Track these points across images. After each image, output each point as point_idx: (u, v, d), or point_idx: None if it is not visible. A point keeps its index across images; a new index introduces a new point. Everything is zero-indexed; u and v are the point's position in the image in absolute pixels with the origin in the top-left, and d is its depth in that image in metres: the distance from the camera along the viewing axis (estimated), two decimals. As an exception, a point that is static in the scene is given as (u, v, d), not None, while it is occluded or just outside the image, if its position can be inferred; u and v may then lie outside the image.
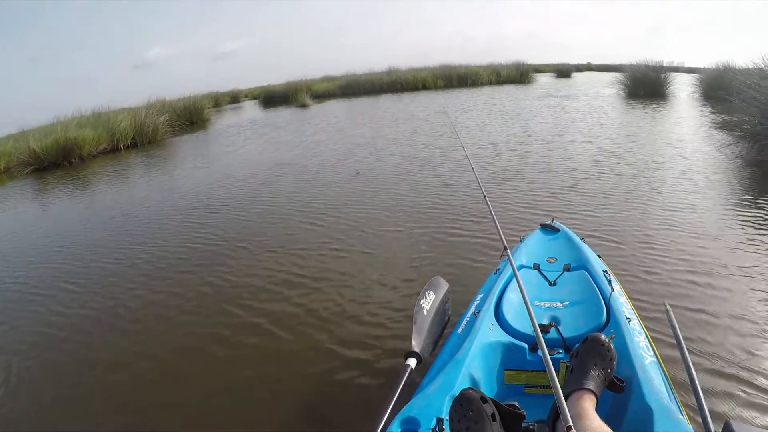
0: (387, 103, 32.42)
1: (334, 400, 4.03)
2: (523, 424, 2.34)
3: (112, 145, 22.48)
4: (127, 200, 12.04)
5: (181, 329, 5.36)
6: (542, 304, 3.48)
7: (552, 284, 3.79)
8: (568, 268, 3.99)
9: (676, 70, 27.45)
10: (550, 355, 2.87)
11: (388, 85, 44.79)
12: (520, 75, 42.39)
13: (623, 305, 3.44)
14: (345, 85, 47.15)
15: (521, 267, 4.04)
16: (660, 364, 2.95)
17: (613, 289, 3.55)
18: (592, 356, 2.67)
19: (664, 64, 25.40)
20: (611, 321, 3.22)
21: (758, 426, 3.07)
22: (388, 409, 2.59)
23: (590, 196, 8.55)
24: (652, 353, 2.98)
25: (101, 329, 5.60)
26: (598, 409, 2.45)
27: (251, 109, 41.37)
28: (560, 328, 3.20)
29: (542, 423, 2.48)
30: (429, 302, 3.58)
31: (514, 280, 3.83)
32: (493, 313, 3.44)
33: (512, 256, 4.33)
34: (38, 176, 18.22)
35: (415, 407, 2.52)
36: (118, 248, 8.43)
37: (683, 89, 25.28)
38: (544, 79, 43.42)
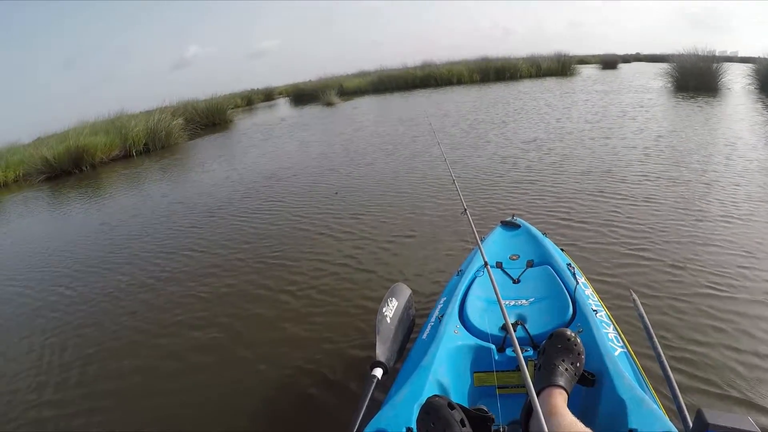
0: (418, 99, 32.62)
1: (300, 416, 4.20)
2: (494, 427, 2.39)
3: (124, 151, 23.20)
4: (114, 212, 12.59)
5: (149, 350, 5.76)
6: (507, 302, 3.50)
7: (516, 282, 3.83)
8: (531, 264, 4.05)
9: (729, 59, 26.72)
10: None
11: (421, 80, 45.02)
12: (561, 67, 41.72)
13: (589, 297, 3.50)
14: (376, 81, 47.50)
15: (482, 266, 4.04)
16: (631, 355, 2.99)
17: (578, 283, 3.60)
18: (560, 352, 2.71)
19: (716, 54, 24.62)
20: (577, 315, 3.26)
21: (732, 413, 3.16)
22: (356, 422, 2.63)
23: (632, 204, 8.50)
24: (621, 344, 3.03)
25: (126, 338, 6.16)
26: (570, 405, 2.49)
27: (280, 108, 41.99)
28: (527, 326, 3.23)
29: (515, 423, 2.56)
30: (392, 310, 3.62)
31: (477, 281, 3.89)
32: (457, 315, 3.48)
33: (473, 255, 4.44)
34: (52, 185, 19.02)
35: (383, 418, 2.57)
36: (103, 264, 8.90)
37: (737, 81, 24.57)
38: (588, 71, 43.39)
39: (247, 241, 8.84)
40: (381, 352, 3.22)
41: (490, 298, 3.63)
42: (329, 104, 37.39)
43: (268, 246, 8.42)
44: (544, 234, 4.80)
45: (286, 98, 54.70)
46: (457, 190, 4.89)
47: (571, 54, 43.65)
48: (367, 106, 33.40)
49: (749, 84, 23.44)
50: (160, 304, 6.85)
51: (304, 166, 14.77)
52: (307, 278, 6.95)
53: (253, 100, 55.77)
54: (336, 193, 10.91)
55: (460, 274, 4.17)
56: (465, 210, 4.34)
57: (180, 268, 8.00)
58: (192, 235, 9.66)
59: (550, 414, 2.34)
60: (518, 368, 3.05)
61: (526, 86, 32.95)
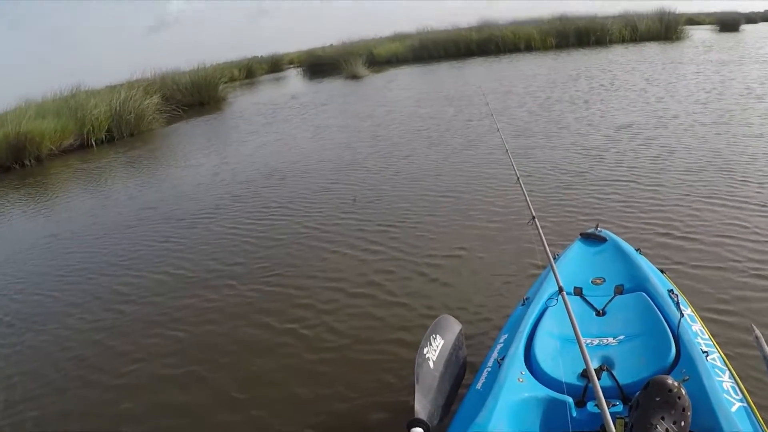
0: (473, 70, 32.65)
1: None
2: None
3: (80, 140, 23.51)
4: (66, 220, 12.79)
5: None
6: (589, 341, 3.54)
7: (600, 313, 3.89)
8: (620, 291, 4.11)
9: None
10: None
11: (477, 45, 45.00)
12: (665, 28, 40.67)
13: (697, 335, 3.49)
14: (417, 46, 47.63)
15: (556, 293, 4.12)
16: (752, 411, 2.97)
17: (682, 315, 3.61)
18: (659, 407, 2.72)
19: None
20: (682, 358, 3.27)
21: None
22: None
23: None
24: (740, 397, 3.01)
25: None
26: None
27: (290, 82, 42.43)
28: (614, 373, 3.25)
29: None
30: (435, 351, 3.68)
31: (549, 312, 3.96)
32: (522, 358, 3.54)
33: (544, 279, 4.50)
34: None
35: None
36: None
37: None
38: (700, 34, 42.21)
39: (238, 260, 8.88)
40: (422, 407, 3.22)
41: (565, 336, 3.65)
42: (354, 77, 37.63)
43: (266, 267, 8.44)
44: (637, 251, 4.79)
45: (298, 69, 55.06)
46: (522, 191, 4.89)
47: (678, 11, 42.67)
48: (404, 79, 33.57)
49: None
50: (118, 347, 6.86)
51: (319, 160, 14.89)
52: (316, 312, 6.93)
53: (254, 71, 56.32)
54: (354, 200, 10.99)
55: (527, 303, 4.22)
56: (533, 218, 4.34)
57: (148, 297, 8.04)
58: (166, 251, 9.73)
59: None
60: (603, 429, 3.07)
61: (618, 54, 32.79)
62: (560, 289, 3.45)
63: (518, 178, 5.22)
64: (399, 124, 18.42)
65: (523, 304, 4.27)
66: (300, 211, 10.76)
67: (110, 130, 24.28)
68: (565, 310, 3.28)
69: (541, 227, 4.07)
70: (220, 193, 12.87)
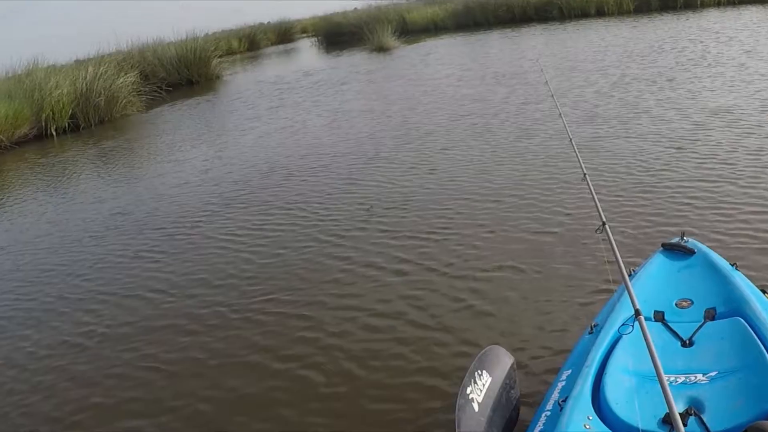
0: (529, 40, 32.50)
1: None
2: None
3: (37, 128, 23.71)
4: (18, 227, 13.00)
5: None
6: (673, 378, 3.53)
7: (687, 344, 3.89)
8: (712, 316, 4.13)
9: None
10: None
11: (536, 8, 44.84)
12: None
13: None
14: (461, 10, 47.60)
15: (631, 318, 4.06)
16: None
17: None
18: None
19: None
20: None
21: None
22: None
23: None
24: None
25: None
26: None
27: (303, 54, 42.52)
28: (704, 417, 3.24)
29: None
30: (482, 389, 3.75)
31: (623, 342, 3.98)
32: (589, 398, 3.54)
33: (616, 300, 4.50)
34: None
35: None
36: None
37: None
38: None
39: (229, 281, 8.90)
40: None
41: (643, 372, 3.65)
42: (382, 49, 37.74)
43: (264, 290, 8.46)
44: (733, 266, 4.76)
45: (312, 39, 55.28)
46: (590, 191, 4.94)
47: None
48: (444, 51, 33.60)
49: None
50: (72, 392, 6.83)
51: (334, 154, 14.98)
52: (325, 348, 6.90)
53: (258, 41, 56.80)
54: (369, 208, 10.94)
55: (595, 331, 4.26)
56: (603, 225, 4.35)
57: (114, 327, 8.06)
58: (138, 269, 9.77)
59: None
60: None
61: (712, 19, 32.40)
62: (637, 313, 3.40)
63: (585, 175, 5.25)
64: (436, 109, 18.41)
65: (590, 333, 4.31)
66: (308, 219, 10.80)
67: (75, 117, 24.42)
68: (644, 339, 3.24)
69: (612, 235, 4.06)
70: (209, 195, 12.95)
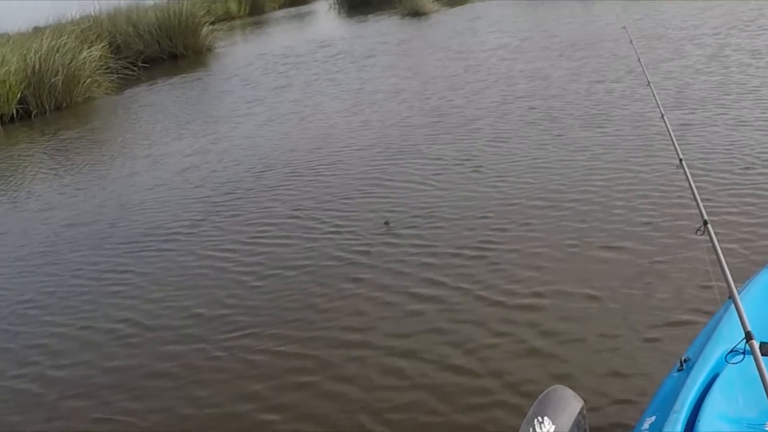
0: (606, 1, 32.34)
1: None
2: None
3: None
4: None
5: None
6: None
7: None
8: None
9: None
10: None
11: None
12: None
13: None
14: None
15: (735, 352, 3.97)
16: None
17: None
18: None
19: None
20: None
21: None
22: None
23: None
24: None
25: None
26: None
27: (318, 19, 42.57)
28: None
29: None
30: None
31: (723, 379, 3.95)
32: None
33: (717, 324, 4.45)
34: None
35: None
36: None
37: None
38: None
39: (212, 309, 8.90)
40: None
41: (749, 419, 3.70)
42: (417, 13, 37.63)
43: (255, 321, 8.45)
44: None
45: (331, 0, 55.44)
46: (688, 182, 4.99)
47: None
48: (496, 15, 33.49)
49: None
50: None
51: (353, 145, 15.12)
52: (337, 385, 6.90)
53: (262, 3, 56.79)
54: (386, 222, 10.85)
55: (686, 367, 4.27)
56: (704, 225, 4.37)
57: (67, 367, 8.03)
58: (100, 293, 9.78)
59: None
60: None
61: None
62: (748, 337, 3.36)
63: (681, 161, 5.28)
64: (483, 89, 18.38)
65: (679, 370, 4.28)
66: (318, 230, 10.84)
67: (25, 101, 24.52)
68: (758, 373, 3.17)
69: (717, 239, 4.05)
70: (191, 201, 13.04)
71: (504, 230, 9.83)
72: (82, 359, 8.17)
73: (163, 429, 6.79)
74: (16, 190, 15.76)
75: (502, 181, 11.67)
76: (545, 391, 4.06)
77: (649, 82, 7.97)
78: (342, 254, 9.84)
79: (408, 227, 10.42)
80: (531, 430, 3.73)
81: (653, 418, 3.86)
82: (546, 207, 10.35)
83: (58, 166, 17.29)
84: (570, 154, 12.44)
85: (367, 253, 9.77)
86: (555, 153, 12.62)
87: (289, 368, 7.41)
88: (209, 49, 34.53)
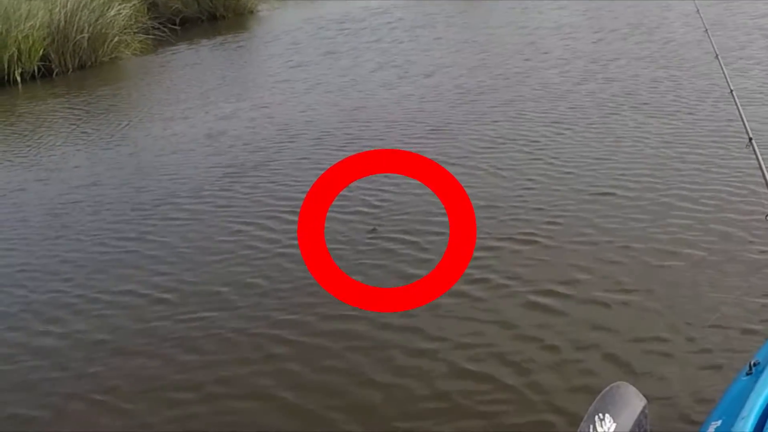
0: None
1: None
2: None
3: None
4: None
5: None
6: None
7: None
8: None
9: None
10: None
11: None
12: None
13: None
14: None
15: None
16: None
17: None
18: None
19: None
20: None
21: None
22: None
23: None
24: None
25: None
26: None
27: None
28: None
29: None
30: None
31: None
32: None
33: None
34: None
35: None
36: None
37: None
38: None
39: (244, 289, 8.70)
40: None
41: None
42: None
43: (285, 302, 8.29)
44: None
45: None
46: (759, 164, 4.91)
47: None
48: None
49: None
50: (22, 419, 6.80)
51: (393, 118, 14.84)
52: (370, 392, 6.66)
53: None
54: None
55: (755, 371, 4.14)
56: None
57: (86, 343, 7.95)
58: (120, 259, 9.67)
59: None
60: None
61: None
62: None
63: (750, 140, 5.31)
64: (549, 68, 18.11)
65: (748, 373, 4.14)
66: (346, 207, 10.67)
67: (47, 58, 24.33)
68: None
69: None
70: (220, 166, 12.99)
71: (558, 220, 9.69)
72: (96, 337, 8.10)
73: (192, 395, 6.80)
74: (33, 148, 15.70)
75: (563, 169, 11.41)
76: (608, 387, 3.93)
77: (717, 55, 8.14)
78: (387, 243, 9.63)
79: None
80: (591, 427, 3.57)
81: (719, 422, 3.70)
82: (613, 198, 10.17)
83: (78, 126, 17.22)
84: (642, 141, 12.11)
85: (409, 242, 9.56)
86: (625, 139, 12.30)
87: (322, 367, 7.21)
88: (252, 12, 34.26)
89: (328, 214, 11.12)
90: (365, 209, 11.06)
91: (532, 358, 6.93)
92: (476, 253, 8.88)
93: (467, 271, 8.55)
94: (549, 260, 8.70)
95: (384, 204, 11.00)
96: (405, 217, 10.44)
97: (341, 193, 11.71)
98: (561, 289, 8.06)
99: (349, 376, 7.04)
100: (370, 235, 10.26)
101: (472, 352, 7.12)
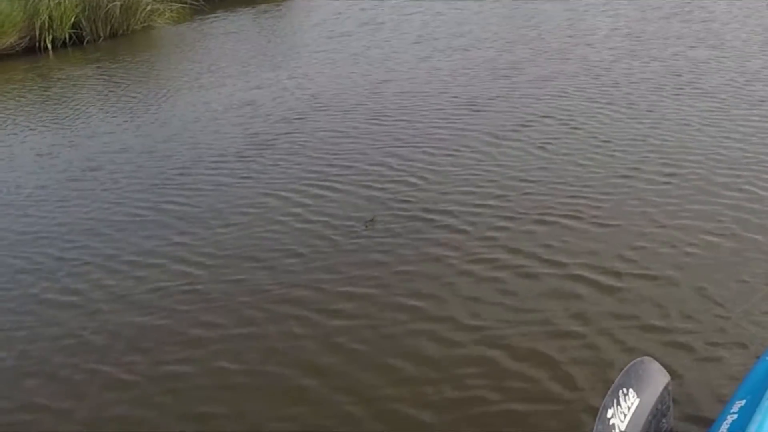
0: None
1: None
2: None
3: (30, 38, 23.74)
4: None
5: None
6: None
7: None
8: None
9: None
10: None
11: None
12: None
13: None
14: None
15: None
16: None
17: None
18: None
19: None
20: None
21: None
22: None
23: None
24: None
25: None
26: None
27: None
28: None
29: None
30: (626, 415, 3.77)
31: None
32: None
33: None
34: None
35: None
36: None
37: None
38: None
39: (278, 255, 8.72)
40: None
41: None
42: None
43: (337, 274, 8.22)
44: None
45: None
46: None
47: None
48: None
49: None
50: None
51: (432, 93, 14.52)
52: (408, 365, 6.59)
53: None
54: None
55: None
56: None
57: (121, 294, 8.08)
58: (153, 221, 9.80)
59: None
60: None
61: None
62: None
63: None
64: (592, 45, 17.62)
65: None
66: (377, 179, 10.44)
67: (78, 26, 24.36)
68: None
69: None
70: (250, 134, 12.94)
71: (606, 199, 9.47)
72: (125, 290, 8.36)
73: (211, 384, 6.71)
74: (65, 115, 15.68)
75: (601, 139, 11.27)
76: (632, 362, 4.09)
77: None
78: (421, 210, 9.49)
79: (500, 188, 9.92)
80: (615, 401, 3.74)
81: (743, 401, 3.84)
82: (660, 175, 9.94)
83: (108, 93, 17.28)
84: (684, 126, 11.67)
85: (442, 222, 9.27)
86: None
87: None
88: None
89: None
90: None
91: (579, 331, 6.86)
92: (516, 229, 8.79)
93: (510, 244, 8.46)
94: (593, 238, 8.56)
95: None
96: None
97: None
98: (616, 266, 7.94)
99: (380, 354, 6.93)
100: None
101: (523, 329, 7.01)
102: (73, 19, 23.91)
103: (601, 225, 8.82)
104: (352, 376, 6.56)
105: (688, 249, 8.16)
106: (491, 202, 9.55)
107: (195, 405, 6.36)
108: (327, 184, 10.58)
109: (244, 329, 7.55)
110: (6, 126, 15.44)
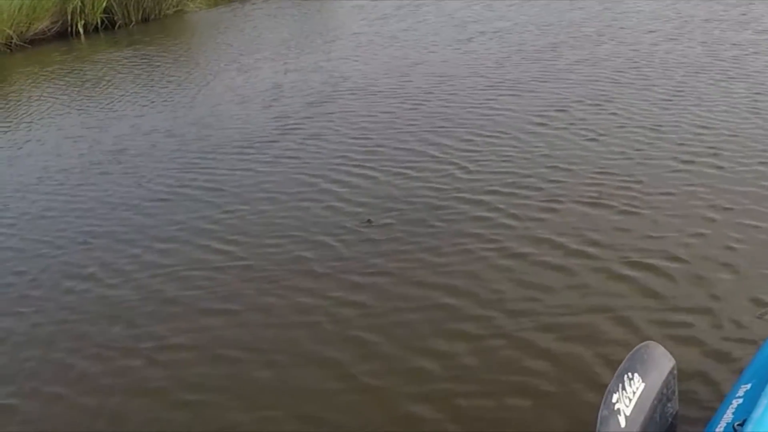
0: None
1: None
2: None
3: (61, 23, 23.85)
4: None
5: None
6: None
7: None
8: None
9: None
10: None
11: None
12: None
13: None
14: None
15: None
16: None
17: None
18: None
19: None
20: None
21: None
22: None
23: None
24: None
25: None
26: None
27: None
28: None
29: None
30: (631, 398, 3.77)
31: None
32: None
33: None
34: None
35: None
36: None
37: None
38: None
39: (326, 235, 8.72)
40: None
41: None
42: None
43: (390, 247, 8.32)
44: None
45: None
46: None
47: None
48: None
49: None
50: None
51: (467, 79, 14.43)
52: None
53: None
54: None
55: None
56: None
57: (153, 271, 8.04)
58: (190, 203, 9.85)
59: None
60: None
61: None
62: None
63: None
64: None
65: None
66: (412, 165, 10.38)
67: (110, 11, 24.50)
68: None
69: None
70: (282, 118, 12.88)
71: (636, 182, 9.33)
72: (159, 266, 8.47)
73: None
74: (97, 99, 15.83)
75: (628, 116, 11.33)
76: (637, 347, 4.09)
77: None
78: (455, 199, 9.39)
79: (535, 178, 9.82)
80: (620, 386, 3.76)
81: (748, 385, 3.88)
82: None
83: (140, 76, 17.46)
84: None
85: (471, 200, 9.29)
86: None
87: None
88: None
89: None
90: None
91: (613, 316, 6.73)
92: (551, 213, 8.73)
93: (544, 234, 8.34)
94: (633, 222, 8.44)
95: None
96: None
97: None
98: (644, 258, 7.73)
99: (416, 337, 6.87)
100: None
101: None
102: (104, 4, 24.04)
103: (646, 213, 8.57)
104: (369, 369, 6.43)
105: (718, 239, 7.88)
106: (527, 192, 9.32)
107: (192, 377, 6.40)
108: (357, 170, 10.52)
109: (258, 315, 7.52)
110: (28, 108, 15.61)
